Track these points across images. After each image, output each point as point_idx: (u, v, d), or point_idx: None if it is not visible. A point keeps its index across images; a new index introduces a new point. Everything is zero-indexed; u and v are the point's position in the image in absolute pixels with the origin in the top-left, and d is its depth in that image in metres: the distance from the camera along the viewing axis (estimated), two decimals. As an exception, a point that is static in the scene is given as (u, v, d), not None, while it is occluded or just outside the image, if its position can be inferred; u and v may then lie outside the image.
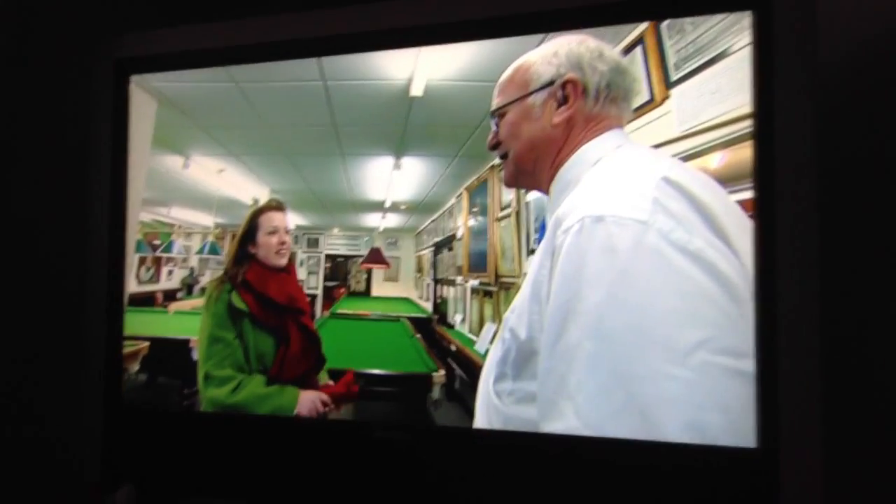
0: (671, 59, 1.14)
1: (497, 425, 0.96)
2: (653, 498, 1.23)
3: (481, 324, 1.57)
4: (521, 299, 0.90)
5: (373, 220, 1.90)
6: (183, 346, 1.60)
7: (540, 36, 1.19)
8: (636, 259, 0.74)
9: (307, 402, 1.42)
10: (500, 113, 0.99)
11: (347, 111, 1.51)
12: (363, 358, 1.61)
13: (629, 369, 0.74)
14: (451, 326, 1.76)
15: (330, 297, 1.89)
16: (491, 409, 0.95)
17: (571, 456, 1.26)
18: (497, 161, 1.05)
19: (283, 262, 1.50)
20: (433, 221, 1.89)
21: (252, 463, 1.52)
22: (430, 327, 1.81)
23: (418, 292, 1.97)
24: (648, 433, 0.74)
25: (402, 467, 1.41)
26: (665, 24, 1.15)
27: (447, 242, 1.80)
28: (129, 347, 1.58)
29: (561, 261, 0.79)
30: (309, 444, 1.49)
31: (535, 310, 0.84)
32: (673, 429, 0.73)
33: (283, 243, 1.49)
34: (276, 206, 1.52)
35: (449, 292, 1.81)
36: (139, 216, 1.63)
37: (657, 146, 1.14)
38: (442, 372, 1.54)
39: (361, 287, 1.98)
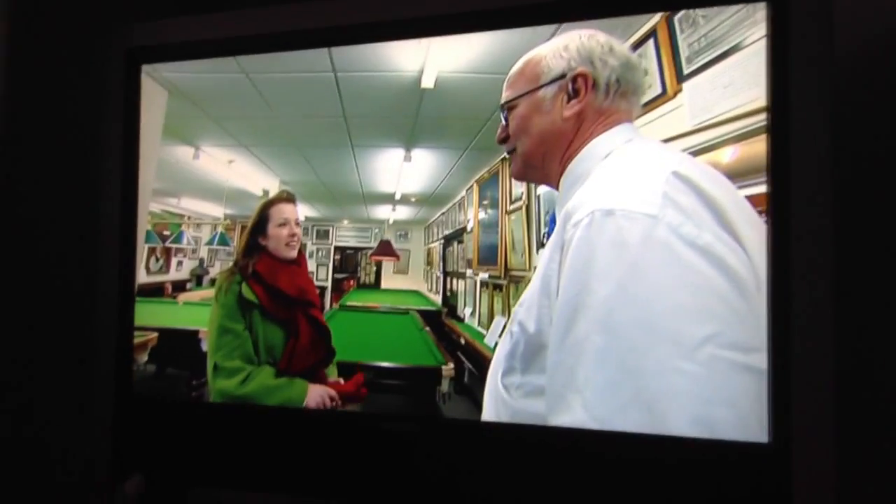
0: (683, 53, 1.15)
1: (505, 419, 0.97)
2: (663, 493, 1.23)
3: (491, 317, 1.58)
4: (530, 293, 0.91)
5: (383, 212, 1.91)
6: (192, 337, 1.62)
7: (552, 28, 1.20)
8: (645, 253, 0.76)
9: (316, 395, 1.44)
10: (509, 106, 1.01)
11: (358, 102, 1.52)
12: (372, 350, 1.62)
13: (637, 363, 0.75)
14: (460, 319, 1.77)
15: (339, 289, 1.90)
16: (499, 403, 0.96)
17: (580, 450, 1.26)
18: (507, 154, 1.06)
19: (294, 254, 1.51)
20: (443, 214, 1.90)
21: (260, 454, 1.54)
22: (440, 320, 1.81)
23: (428, 285, 1.97)
24: (655, 427, 0.76)
25: (410, 460, 1.43)
26: (678, 17, 1.15)
27: (457, 235, 1.81)
28: (137, 338, 1.59)
29: (570, 254, 0.80)
30: (317, 435, 1.50)
31: (544, 303, 0.86)
32: (680, 423, 0.75)
33: (293, 235, 1.50)
34: (287, 197, 1.53)
35: (458, 285, 1.82)
36: (149, 206, 1.65)
37: (669, 140, 1.15)
38: (451, 365, 1.55)
39: (371, 279, 1.99)
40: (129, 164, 1.58)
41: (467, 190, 1.77)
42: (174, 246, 1.88)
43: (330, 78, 1.49)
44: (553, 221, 0.93)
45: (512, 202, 1.53)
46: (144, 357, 1.65)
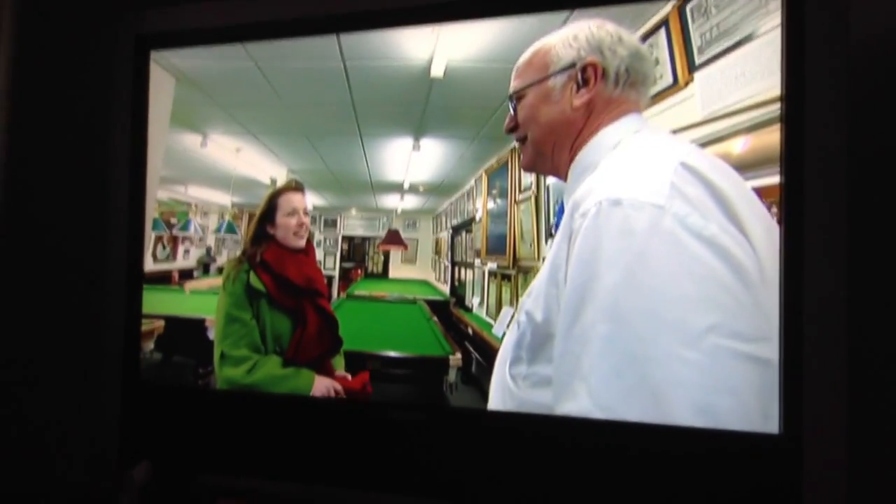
0: (695, 43, 1.16)
1: (511, 409, 0.99)
2: (673, 483, 1.26)
3: (499, 307, 1.59)
4: (538, 282, 0.93)
5: (391, 201, 1.91)
6: (199, 325, 1.64)
7: (563, 16, 1.21)
8: (652, 243, 0.78)
9: (321, 387, 1.46)
10: (518, 96, 1.02)
11: (367, 91, 1.53)
12: (379, 340, 1.64)
13: (642, 352, 0.78)
14: (468, 309, 1.78)
15: (347, 278, 1.92)
16: (506, 393, 0.98)
17: (590, 440, 1.29)
18: (517, 144, 1.08)
19: (302, 243, 1.54)
20: (452, 203, 1.91)
21: (267, 441, 1.57)
22: (448, 310, 1.83)
23: (436, 275, 1.99)
24: (658, 414, 0.78)
25: (416, 449, 1.46)
26: (690, 6, 1.16)
27: (466, 225, 1.82)
28: (144, 326, 1.62)
29: (578, 243, 0.82)
30: (323, 423, 1.53)
31: (552, 293, 0.88)
32: (682, 410, 0.77)
33: (301, 225, 1.52)
34: (296, 187, 1.55)
35: (467, 275, 1.83)
36: (156, 194, 1.67)
37: (680, 130, 1.16)
38: (458, 355, 1.57)
39: (378, 269, 2.00)
40: (137, 151, 1.60)
41: (476, 179, 1.78)
42: (181, 234, 1.90)
43: (339, 67, 1.50)
44: (561, 211, 0.95)
45: (521, 192, 1.54)
46: (151, 345, 1.66)
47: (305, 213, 1.54)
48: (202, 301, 1.78)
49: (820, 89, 1.13)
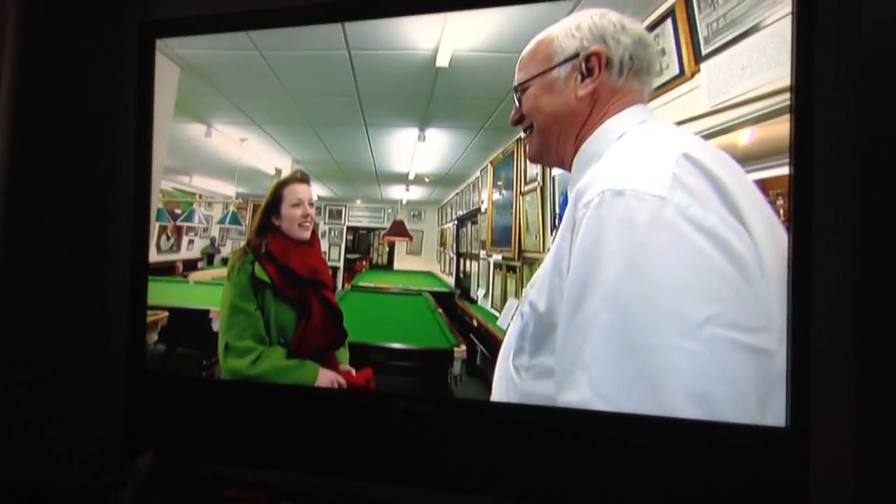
0: (702, 33, 1.17)
1: (514, 400, 1.02)
2: (677, 476, 1.28)
3: (504, 299, 1.60)
4: (542, 272, 0.95)
5: (396, 192, 1.92)
6: (203, 316, 1.65)
7: (570, 4, 1.22)
8: (653, 233, 0.80)
9: (325, 380, 1.48)
10: (522, 88, 1.04)
11: (372, 81, 1.54)
12: (384, 331, 1.65)
13: (642, 341, 0.80)
14: (473, 301, 1.79)
15: (351, 269, 1.93)
16: (509, 384, 1.00)
17: (594, 432, 1.31)
18: (523, 134, 1.09)
19: (307, 235, 1.55)
20: (457, 194, 1.92)
21: (272, 432, 1.60)
22: (453, 302, 1.84)
23: (441, 266, 2.00)
24: (656, 403, 0.81)
25: (420, 440, 1.48)
26: (697, -5, 1.17)
27: (471, 216, 1.82)
28: (148, 317, 1.64)
29: (581, 233, 0.84)
30: (328, 414, 1.56)
31: (555, 282, 0.90)
32: (679, 399, 0.80)
33: (306, 216, 1.54)
34: (301, 178, 1.57)
35: (472, 267, 1.84)
36: (160, 184, 1.69)
37: (686, 121, 1.18)
38: (463, 347, 1.58)
39: (383, 260, 2.01)
40: (142, 141, 1.62)
41: (482, 171, 1.78)
42: (185, 224, 1.91)
43: (344, 56, 1.51)
44: (565, 202, 0.97)
45: (527, 183, 1.55)
46: (154, 336, 1.68)
47: (310, 203, 1.55)
48: (206, 292, 1.78)
49: (830, 79, 1.14)
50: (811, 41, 1.09)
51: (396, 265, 2.02)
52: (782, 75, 1.09)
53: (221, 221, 1.93)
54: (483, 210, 1.77)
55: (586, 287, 0.83)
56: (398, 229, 1.92)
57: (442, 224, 2.00)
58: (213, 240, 1.97)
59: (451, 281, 1.92)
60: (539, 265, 1.00)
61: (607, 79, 0.97)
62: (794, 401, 1.04)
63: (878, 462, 1.15)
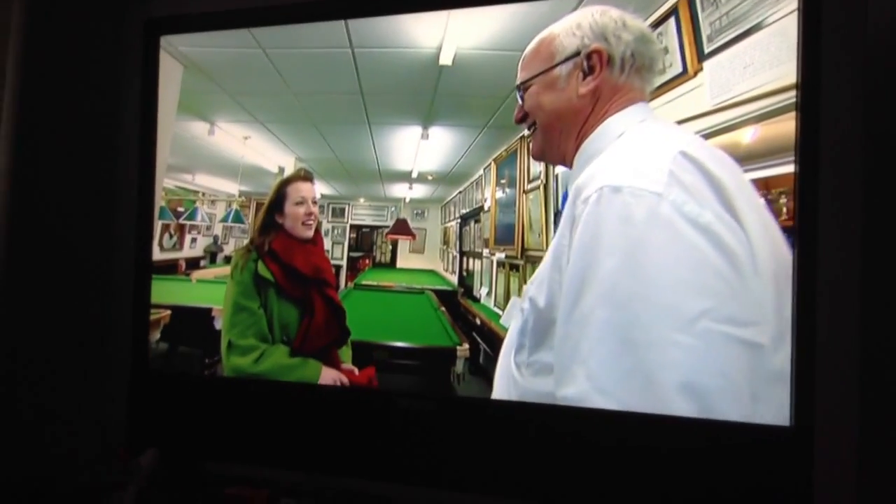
0: (705, 31, 1.18)
1: (515, 398, 1.04)
2: (680, 474, 1.29)
3: (507, 297, 1.61)
4: (542, 268, 0.97)
5: (399, 190, 1.93)
6: (205, 314, 1.67)
7: (574, 2, 1.24)
8: (649, 229, 0.82)
9: (328, 379, 1.50)
10: (525, 87, 1.06)
11: (375, 79, 1.55)
12: (387, 330, 1.66)
13: (638, 336, 0.82)
14: (476, 300, 1.80)
15: (354, 267, 1.94)
16: (510, 382, 1.02)
17: (595, 430, 1.31)
18: (527, 132, 1.11)
19: (310, 233, 1.57)
20: (460, 193, 1.93)
21: (274, 430, 1.61)
22: (455, 300, 1.85)
23: (444, 264, 2.00)
24: (651, 396, 0.83)
25: (422, 438, 1.49)
26: (700, -7, 1.19)
27: (474, 214, 1.83)
28: (151, 315, 1.65)
29: (579, 230, 0.86)
30: (330, 412, 1.57)
31: (555, 278, 0.92)
32: (672, 391, 0.82)
33: (310, 214, 1.56)
34: (305, 176, 1.59)
35: (475, 265, 1.85)
36: (163, 182, 1.70)
37: (689, 119, 1.19)
38: (466, 345, 1.59)
39: (386, 258, 2.02)
40: (145, 139, 1.64)
41: (485, 169, 1.80)
42: (188, 223, 1.93)
43: (347, 54, 1.53)
44: (566, 199, 0.99)
45: (530, 181, 1.57)
46: (157, 335, 1.69)
47: (314, 202, 1.57)
48: (209, 290, 1.79)
49: (836, 77, 1.15)
50: (817, 38, 1.10)
51: (399, 263, 2.03)
52: (785, 74, 1.10)
53: (224, 219, 1.94)
54: (486, 208, 1.77)
55: (584, 282, 0.85)
56: (401, 227, 1.94)
57: (445, 222, 2.00)
58: (215, 238, 1.98)
59: (454, 279, 1.92)
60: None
61: (609, 76, 0.98)
62: (798, 400, 1.05)
63: (882, 461, 1.15)
